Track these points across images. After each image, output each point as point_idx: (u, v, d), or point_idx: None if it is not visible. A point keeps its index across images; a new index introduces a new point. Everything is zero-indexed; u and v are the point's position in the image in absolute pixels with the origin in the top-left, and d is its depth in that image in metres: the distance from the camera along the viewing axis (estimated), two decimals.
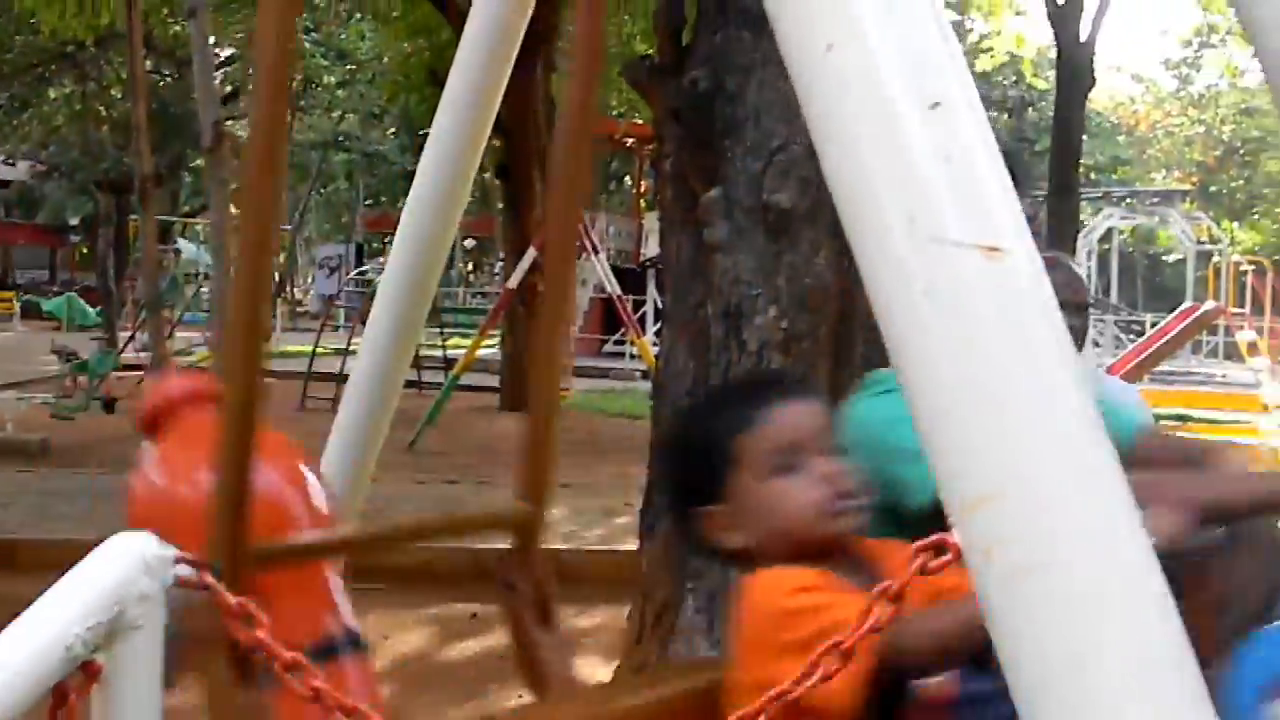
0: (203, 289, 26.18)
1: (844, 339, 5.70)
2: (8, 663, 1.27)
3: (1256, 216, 54.97)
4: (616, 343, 27.08)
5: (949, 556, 1.47)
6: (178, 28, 23.73)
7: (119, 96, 30.80)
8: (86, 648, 1.33)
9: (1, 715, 1.25)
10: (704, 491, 2.24)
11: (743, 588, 2.15)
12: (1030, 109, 51.79)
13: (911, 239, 1.41)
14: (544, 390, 2.87)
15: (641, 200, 33.41)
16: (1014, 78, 45.86)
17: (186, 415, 2.29)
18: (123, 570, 1.39)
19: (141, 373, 17.12)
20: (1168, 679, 1.37)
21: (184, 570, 1.48)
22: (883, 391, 2.62)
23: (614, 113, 31.18)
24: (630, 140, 32.09)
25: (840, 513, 2.16)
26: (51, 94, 35.52)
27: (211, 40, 12.59)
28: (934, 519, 2.05)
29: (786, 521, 2.15)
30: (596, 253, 17.38)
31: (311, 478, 2.44)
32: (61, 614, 1.33)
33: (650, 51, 7.59)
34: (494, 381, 18.91)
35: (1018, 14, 29.99)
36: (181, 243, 37.24)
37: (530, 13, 3.85)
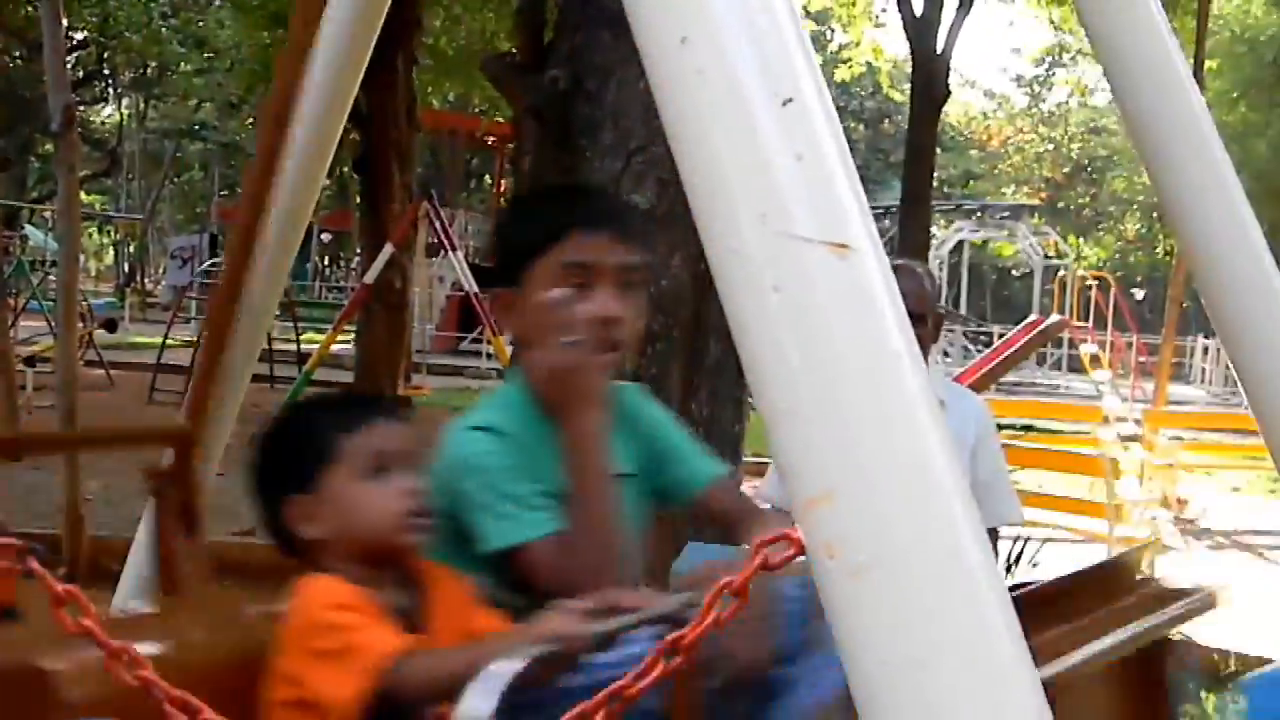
0: (49, 276, 25.52)
1: (698, 341, 5.73)
2: None
3: (1101, 233, 56.40)
4: (473, 341, 26.93)
5: (791, 551, 1.46)
6: (29, 8, 23.09)
7: None
8: None
9: None
10: (294, 479, 2.34)
11: (299, 584, 2.26)
12: (886, 120, 52.56)
13: (761, 234, 1.41)
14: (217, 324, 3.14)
15: (500, 198, 33.31)
16: (871, 89, 46.55)
17: None
18: None
19: None
20: (1006, 678, 1.38)
21: None
22: (473, 428, 2.65)
23: (475, 110, 31.10)
24: (491, 138, 31.99)
25: (411, 528, 2.33)
26: None
27: (64, 23, 12.27)
28: (492, 565, 2.49)
29: (365, 522, 2.30)
30: (455, 249, 17.24)
31: None
32: None
33: (511, 49, 7.56)
34: (348, 378, 18.70)
35: (876, 25, 30.40)
36: (29, 229, 36.30)
37: (384, 11, 3.81)
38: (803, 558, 1.43)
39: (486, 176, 39.82)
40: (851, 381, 1.39)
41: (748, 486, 4.61)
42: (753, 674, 2.25)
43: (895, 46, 31.64)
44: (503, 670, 1.84)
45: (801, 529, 1.41)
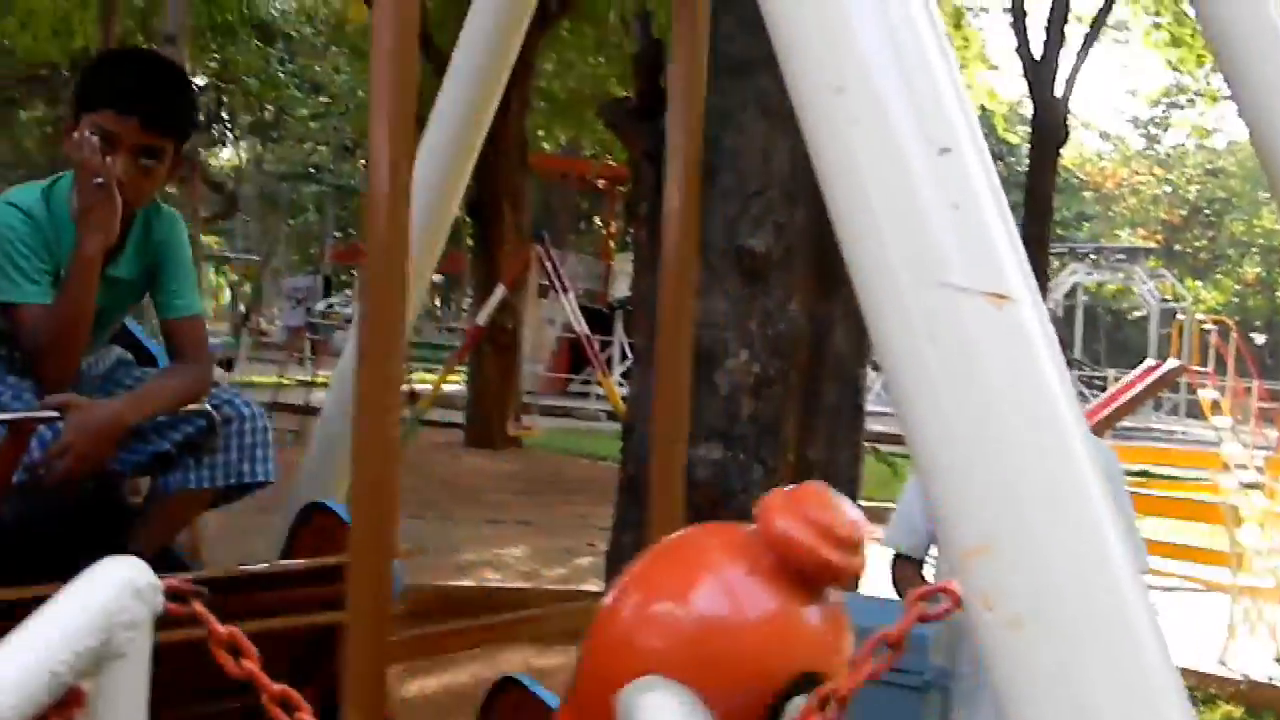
0: None
1: (815, 385, 5.70)
2: None
3: (1220, 276, 55.38)
4: (583, 382, 27.01)
5: (948, 604, 1.46)
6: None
7: None
8: (73, 674, 1.31)
9: None
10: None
11: None
12: (1000, 162, 52.13)
13: (917, 283, 1.41)
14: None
15: (611, 242, 33.42)
16: (986, 130, 46.19)
17: None
18: (111, 597, 1.36)
19: None
20: None
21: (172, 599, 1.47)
22: (8, 203, 3.30)
23: (586, 153, 31.27)
24: (602, 181, 32.16)
25: None
26: (22, 116, 35.34)
27: (188, 67, 12.58)
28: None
29: None
30: (565, 292, 17.36)
31: None
32: (48, 639, 1.31)
33: (627, 94, 7.60)
34: (459, 417, 18.83)
35: (990, 68, 30.23)
36: None
37: (516, 53, 3.86)
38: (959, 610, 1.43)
39: (597, 219, 39.97)
40: (1010, 432, 1.38)
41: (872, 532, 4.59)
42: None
43: (1008, 89, 31.44)
44: None
45: (959, 580, 1.40)
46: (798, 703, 1.67)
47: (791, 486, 1.68)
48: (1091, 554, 1.37)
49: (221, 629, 1.43)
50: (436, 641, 3.02)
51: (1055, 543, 1.36)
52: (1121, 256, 43.17)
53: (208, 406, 3.30)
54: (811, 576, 1.63)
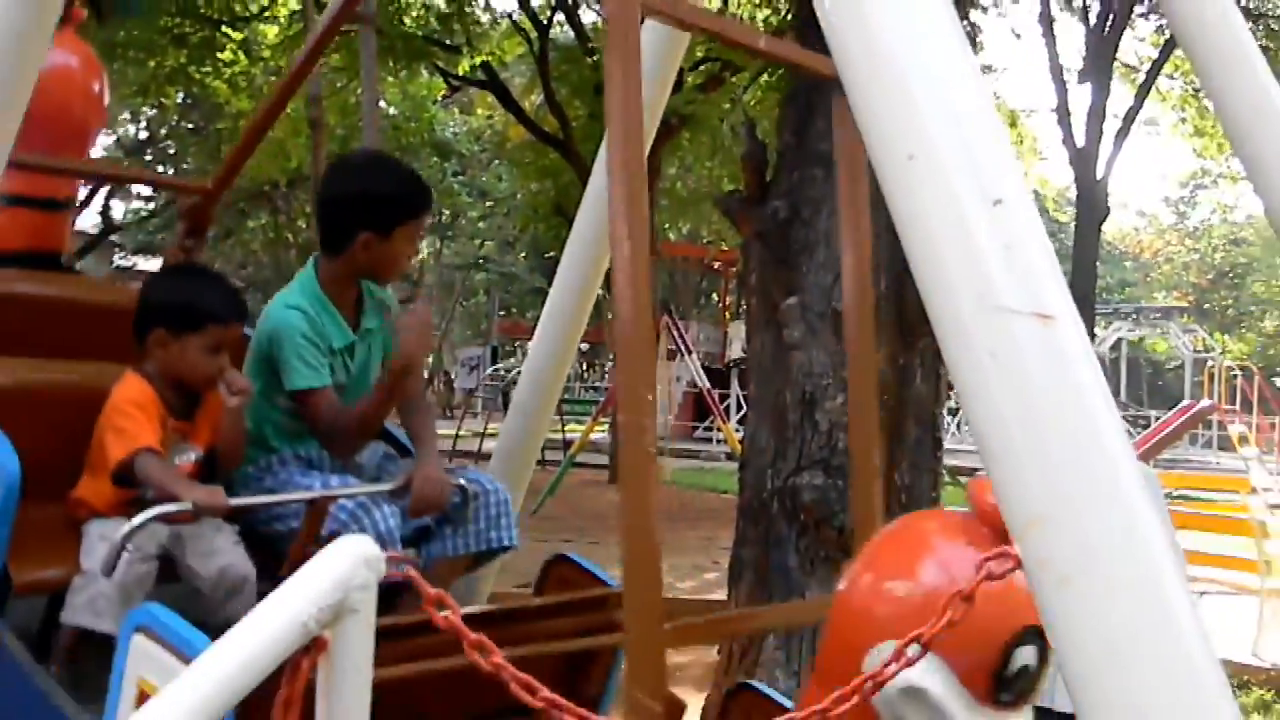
0: None
1: (899, 422, 5.67)
2: (258, 635, 1.33)
3: (1244, 330, 53.91)
4: (705, 429, 26.97)
5: (1011, 564, 1.49)
6: None
7: (304, 226, 31.44)
8: (318, 625, 1.37)
9: (254, 674, 1.30)
10: (171, 324, 2.98)
11: (124, 375, 2.98)
12: (1052, 239, 51.21)
13: (978, 310, 1.43)
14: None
15: (726, 312, 33.42)
16: (1039, 211, 45.55)
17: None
18: (346, 566, 1.42)
19: None
20: (1194, 669, 1.35)
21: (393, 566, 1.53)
22: (287, 306, 3.25)
23: (704, 241, 31.39)
24: (717, 263, 32.25)
25: (213, 385, 3.04)
26: (250, 224, 36.33)
27: None
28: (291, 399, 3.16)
29: (190, 371, 2.99)
30: (690, 354, 17.44)
31: None
32: (298, 598, 1.38)
33: (736, 187, 7.66)
34: (604, 460, 18.91)
35: (1042, 159, 29.94)
36: None
37: (645, 165, 3.94)
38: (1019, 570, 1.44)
39: (714, 294, 40.00)
40: (1055, 426, 1.39)
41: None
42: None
43: (1057, 176, 31.06)
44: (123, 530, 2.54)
45: (1019, 547, 1.41)
46: (1024, 652, 1.71)
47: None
48: (1123, 525, 1.37)
49: (430, 589, 1.49)
50: (699, 631, 2.98)
51: (1094, 516, 1.37)
52: (1158, 315, 42.21)
53: (462, 481, 3.23)
54: None
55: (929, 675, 1.69)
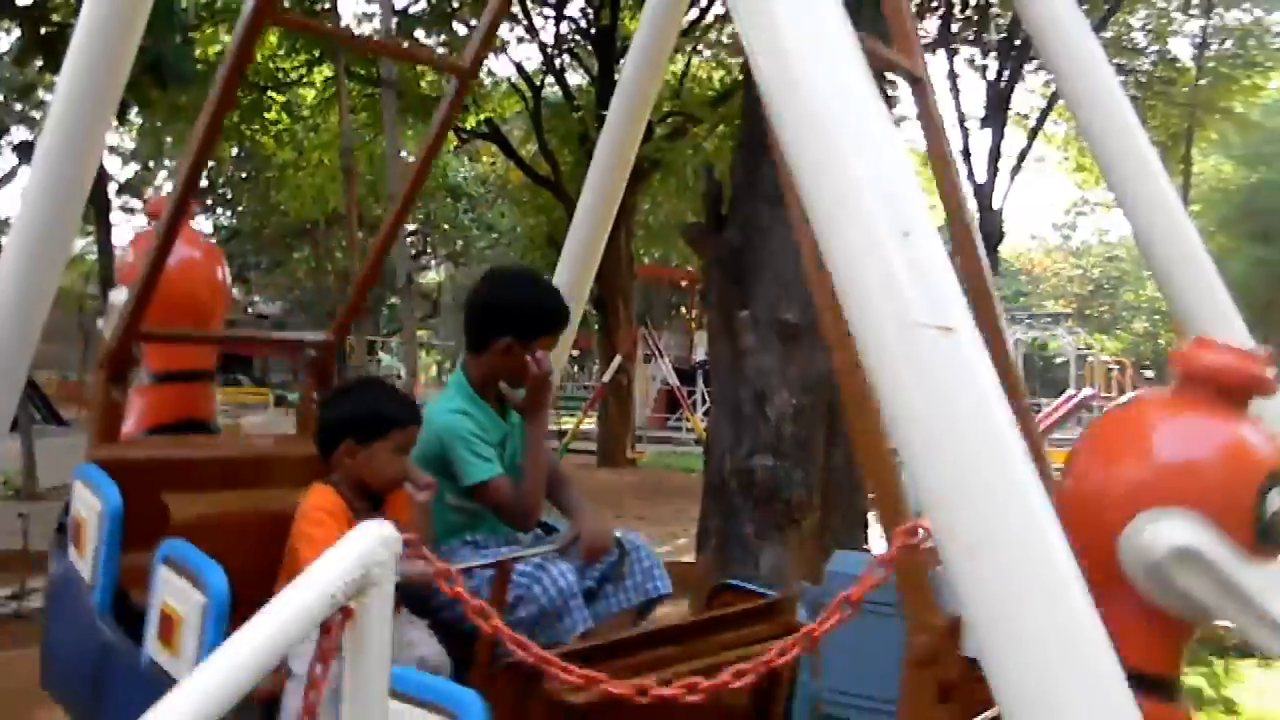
0: (396, 384, 26.34)
1: (836, 413, 5.68)
2: (295, 605, 1.30)
3: (1118, 331, 54.32)
4: (676, 420, 26.91)
5: (923, 536, 1.47)
6: (379, 210, 24.17)
7: (340, 257, 31.30)
8: (345, 596, 1.35)
9: (292, 638, 1.28)
10: (357, 434, 2.74)
11: (313, 486, 2.72)
12: (959, 258, 51.24)
13: (894, 324, 1.42)
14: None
15: (692, 323, 33.39)
16: (948, 237, 45.70)
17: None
18: (368, 546, 1.40)
19: None
20: (1077, 621, 1.34)
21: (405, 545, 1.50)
22: (452, 411, 3.07)
23: (674, 264, 31.41)
24: (684, 282, 32.22)
25: (399, 486, 2.82)
26: (295, 257, 36.16)
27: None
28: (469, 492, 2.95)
29: (380, 477, 2.75)
30: (663, 357, 17.42)
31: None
32: (328, 573, 1.36)
33: (699, 220, 7.68)
34: (593, 447, 18.89)
35: None
36: (382, 355, 37.62)
37: (619, 202, 3.93)
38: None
39: (682, 307, 39.97)
40: (960, 419, 1.38)
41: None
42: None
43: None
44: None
45: (931, 522, 1.40)
46: (1276, 495, 1.50)
47: (1196, 338, 1.58)
48: (1018, 499, 1.37)
49: (440, 563, 1.47)
50: None
51: (993, 493, 1.36)
52: (1048, 320, 42.43)
53: (620, 538, 3.10)
54: (1242, 390, 1.49)
55: (1198, 533, 1.48)
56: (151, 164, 32.15)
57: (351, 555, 1.36)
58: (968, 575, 1.37)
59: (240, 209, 30.75)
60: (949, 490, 1.38)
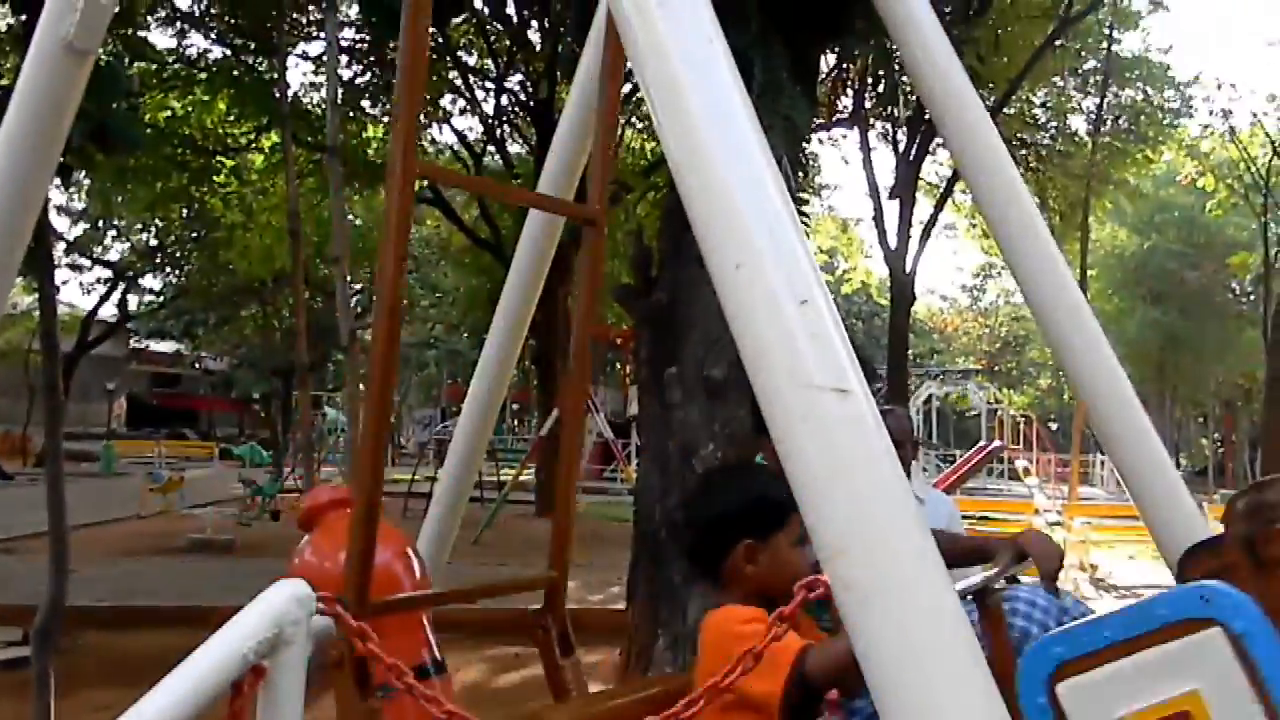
0: (340, 439, 25.97)
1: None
2: (204, 665, 1.26)
3: (1025, 386, 55.37)
4: (611, 471, 26.82)
5: (822, 590, 1.46)
6: (324, 270, 23.97)
7: (287, 315, 30.91)
8: (256, 655, 1.31)
9: (201, 698, 1.23)
10: (756, 530, 2.12)
11: (711, 615, 2.09)
12: (876, 318, 52.16)
13: (792, 386, 1.43)
14: (564, 498, 2.85)
15: (626, 378, 33.46)
16: (865, 297, 46.50)
17: (330, 517, 2.26)
18: (281, 604, 1.37)
19: (298, 494, 16.89)
20: (956, 657, 1.35)
21: (321, 605, 1.47)
22: None
23: (609, 321, 31.49)
24: (619, 339, 32.26)
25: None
26: (243, 314, 35.64)
27: (348, 277, 12.81)
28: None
29: (789, 574, 1.98)
30: (598, 412, 17.37)
31: (414, 556, 2.47)
32: (240, 632, 1.32)
33: (629, 282, 7.72)
34: (531, 498, 18.74)
35: (866, 257, 30.57)
36: (328, 409, 37.05)
37: (549, 263, 3.94)
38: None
39: (617, 364, 40.02)
40: (854, 475, 1.39)
41: None
42: None
43: (879, 269, 31.79)
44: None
45: (827, 574, 1.40)
46: None
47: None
48: (908, 550, 1.37)
49: (353, 621, 1.43)
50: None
51: (885, 546, 1.37)
52: (960, 375, 43.02)
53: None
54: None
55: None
56: (100, 223, 31.61)
57: (265, 613, 1.32)
58: (862, 624, 1.37)
59: (189, 267, 30.27)
60: (843, 543, 1.37)
